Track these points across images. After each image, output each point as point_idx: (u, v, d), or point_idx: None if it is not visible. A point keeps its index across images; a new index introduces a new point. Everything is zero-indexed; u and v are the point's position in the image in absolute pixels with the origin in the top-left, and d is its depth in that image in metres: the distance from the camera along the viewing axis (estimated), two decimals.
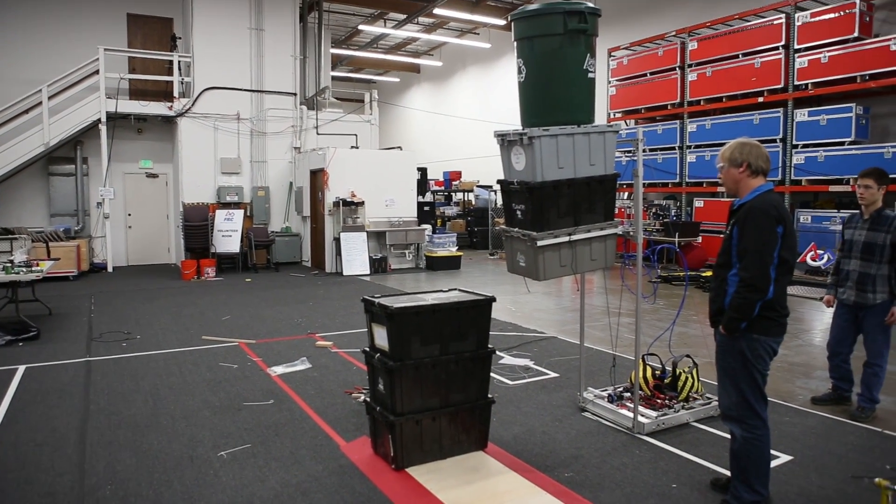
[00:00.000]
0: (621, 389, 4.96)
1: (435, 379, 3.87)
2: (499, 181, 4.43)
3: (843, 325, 4.92)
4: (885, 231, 4.60)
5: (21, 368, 6.24)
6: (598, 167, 4.21)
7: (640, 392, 4.72)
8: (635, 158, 4.40)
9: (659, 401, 4.70)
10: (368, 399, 4.13)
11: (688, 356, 5.07)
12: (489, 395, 4.14)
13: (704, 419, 4.63)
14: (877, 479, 3.10)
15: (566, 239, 4.12)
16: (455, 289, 4.42)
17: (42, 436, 4.52)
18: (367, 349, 4.07)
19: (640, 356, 4.61)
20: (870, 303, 4.67)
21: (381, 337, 3.86)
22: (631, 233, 4.42)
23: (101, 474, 3.88)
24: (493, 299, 4.10)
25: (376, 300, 3.90)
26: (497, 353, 5.96)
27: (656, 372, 4.93)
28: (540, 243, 4.02)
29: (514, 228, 4.26)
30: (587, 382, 5.21)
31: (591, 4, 4.07)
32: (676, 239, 13.09)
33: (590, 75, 4.12)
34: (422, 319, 3.80)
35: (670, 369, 4.98)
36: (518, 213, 4.21)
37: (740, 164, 3.23)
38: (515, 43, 4.21)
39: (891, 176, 10.25)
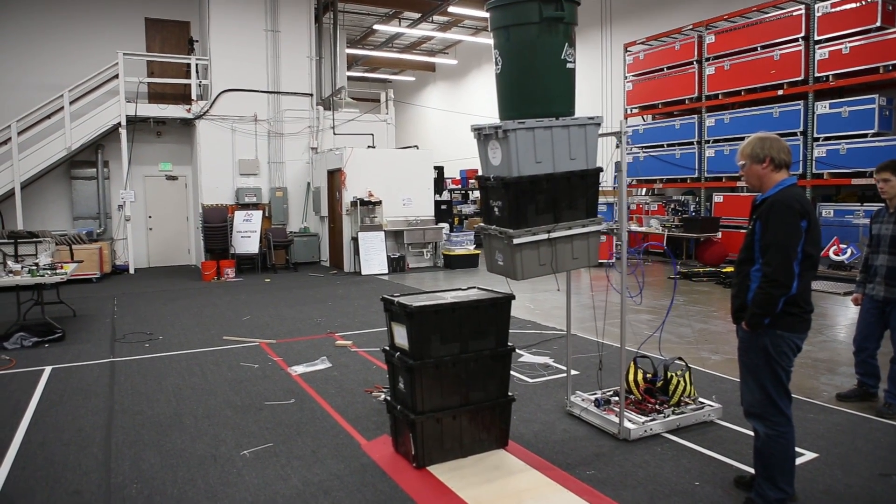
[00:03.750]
0: (610, 393, 4.80)
1: (455, 377, 3.88)
2: (476, 177, 4.31)
3: (871, 321, 4.85)
4: None
5: (48, 369, 6.35)
6: (579, 161, 4.01)
7: (631, 396, 4.60)
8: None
9: (649, 405, 4.55)
10: (389, 398, 4.14)
11: (680, 359, 4.91)
12: (509, 393, 4.13)
13: (695, 425, 4.46)
14: None
15: (545, 237, 3.92)
16: (474, 287, 4.41)
17: (68, 435, 4.60)
18: (387, 348, 4.09)
19: (623, 358, 4.36)
20: (892, 297, 4.59)
21: (401, 336, 3.87)
22: (615, 230, 4.21)
23: (126, 473, 3.94)
24: (512, 297, 4.10)
25: (396, 299, 3.91)
26: (517, 350, 5.95)
27: (647, 375, 4.76)
28: (517, 241, 3.84)
29: (491, 226, 4.09)
30: (608, 381, 5.15)
31: None
32: (666, 234, 12.98)
33: (568, 66, 3.94)
34: (441, 318, 3.80)
35: (662, 372, 4.80)
36: (495, 209, 4.05)
37: (763, 159, 3.19)
38: (492, 33, 4.05)
39: None
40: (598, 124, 4.10)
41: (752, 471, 3.49)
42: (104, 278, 13.10)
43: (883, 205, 4.81)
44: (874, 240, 4.80)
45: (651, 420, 4.34)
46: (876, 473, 3.71)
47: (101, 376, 6.10)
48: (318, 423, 4.74)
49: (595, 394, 4.85)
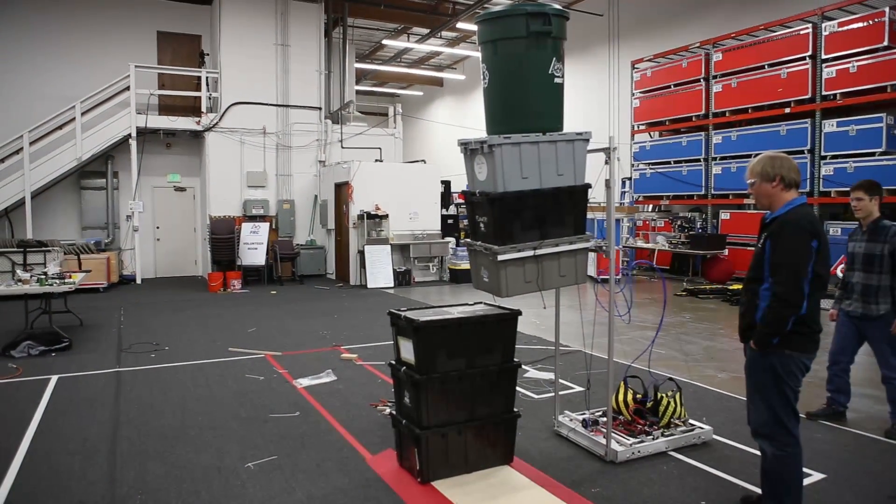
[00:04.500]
0: (599, 414, 4.68)
1: (461, 392, 3.88)
2: (462, 192, 4.25)
3: (846, 334, 4.91)
4: (882, 241, 4.62)
5: (54, 378, 6.37)
6: (567, 177, 3.95)
7: (620, 417, 4.54)
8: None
9: (638, 426, 4.45)
10: (394, 412, 4.14)
11: (671, 379, 4.85)
12: (515, 409, 4.12)
13: (685, 447, 4.36)
14: None
15: (531, 253, 3.84)
16: (481, 302, 4.42)
17: (74, 445, 4.60)
18: (393, 362, 4.09)
19: (611, 378, 4.24)
20: (874, 314, 4.65)
21: (408, 350, 3.88)
22: (604, 247, 4.13)
23: (131, 484, 3.94)
24: (518, 313, 4.10)
25: (402, 313, 3.92)
26: (522, 366, 5.94)
27: (637, 396, 4.68)
28: (501, 258, 3.75)
29: (477, 242, 4.02)
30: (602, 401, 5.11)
31: (557, 6, 3.90)
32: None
33: (556, 80, 3.89)
34: (448, 333, 3.81)
35: (653, 392, 4.71)
36: (481, 225, 3.97)
37: (773, 178, 3.19)
38: (480, 47, 4.02)
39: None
40: (587, 140, 4.04)
41: (758, 490, 3.46)
42: (111, 288, 13.16)
43: (858, 224, 4.88)
44: (850, 258, 4.90)
45: (639, 442, 4.26)
46: (885, 496, 3.68)
47: (107, 386, 6.11)
48: (322, 436, 4.73)
49: (584, 414, 4.75)
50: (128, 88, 13.91)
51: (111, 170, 14.69)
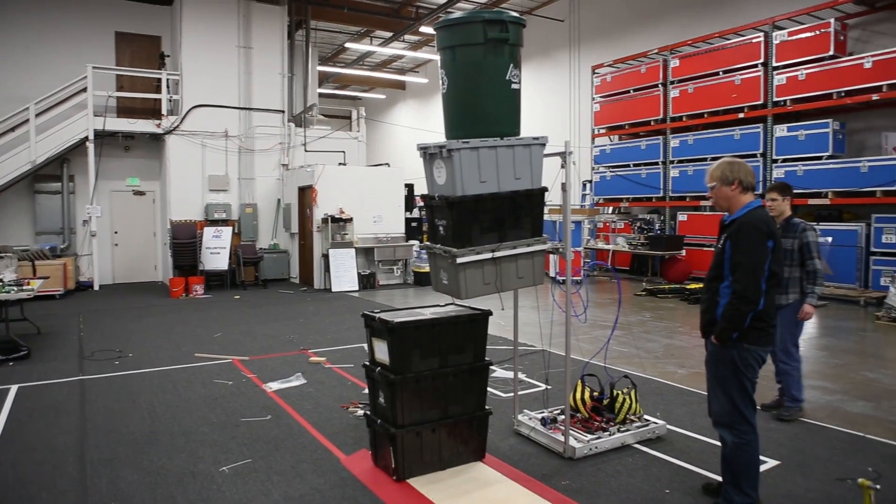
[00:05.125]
0: (557, 412, 4.82)
1: (434, 391, 3.97)
2: (421, 196, 4.29)
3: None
4: (793, 237, 5.00)
5: (13, 388, 6.23)
6: (524, 181, 4.05)
7: (578, 414, 4.66)
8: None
9: (596, 423, 4.60)
10: (369, 412, 4.21)
11: (626, 376, 5.00)
12: (486, 407, 4.24)
13: (642, 441, 4.52)
14: (860, 480, 3.25)
15: (489, 256, 3.93)
16: (452, 303, 4.52)
17: (41, 454, 4.54)
18: (368, 363, 4.16)
19: (568, 377, 4.35)
20: (782, 303, 4.94)
21: (382, 351, 3.96)
22: (561, 250, 4.25)
23: (104, 491, 3.91)
24: (489, 313, 4.21)
25: (377, 315, 4.00)
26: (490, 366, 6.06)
27: (594, 393, 4.83)
28: (460, 260, 3.83)
29: (436, 245, 4.09)
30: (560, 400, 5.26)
31: (514, 14, 3.98)
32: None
33: (513, 86, 3.98)
34: (421, 333, 3.90)
35: (609, 390, 4.85)
36: (440, 228, 4.05)
37: (732, 181, 3.39)
38: (439, 53, 4.10)
39: (867, 189, 10.56)
40: (543, 144, 4.15)
41: (718, 477, 3.64)
42: (68, 295, 12.85)
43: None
44: None
45: (596, 438, 4.39)
46: (833, 478, 3.91)
47: (71, 394, 6.01)
48: (296, 438, 4.77)
49: (542, 412, 4.86)
50: (85, 90, 13.60)
51: (67, 173, 14.33)
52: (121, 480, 4.06)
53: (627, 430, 4.54)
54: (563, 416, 4.54)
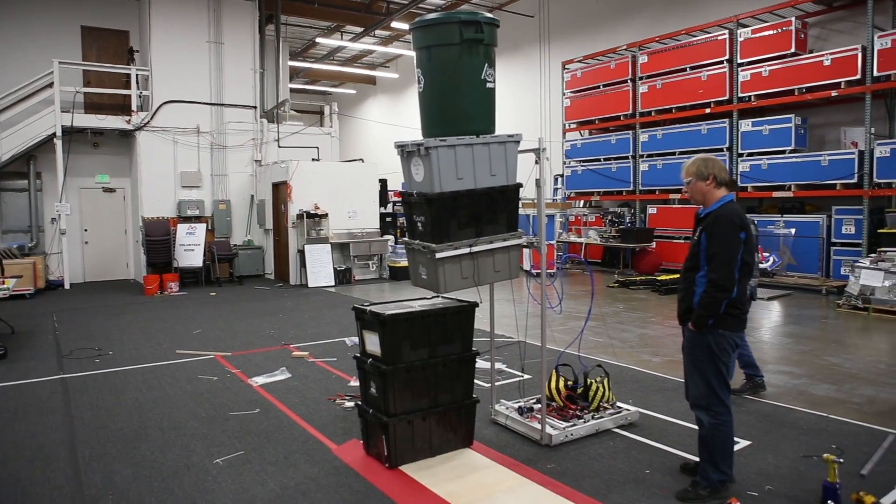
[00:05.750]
0: (533, 401, 4.95)
1: (424, 381, 4.11)
2: (399, 193, 4.35)
3: None
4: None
5: None
6: (500, 177, 4.18)
7: (553, 403, 4.78)
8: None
9: (570, 411, 4.73)
10: (360, 402, 4.32)
11: (599, 366, 5.19)
12: (473, 395, 4.39)
13: (621, 427, 4.69)
14: (825, 455, 3.49)
15: (467, 251, 4.05)
16: (438, 296, 4.65)
17: (31, 451, 4.56)
18: (359, 355, 4.28)
19: (544, 367, 4.51)
20: None
21: (373, 343, 4.08)
22: (535, 243, 4.38)
23: (99, 486, 3.97)
24: (476, 305, 4.36)
25: (368, 308, 4.12)
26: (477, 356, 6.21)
27: (569, 382, 4.95)
28: (439, 255, 3.95)
29: (415, 241, 4.20)
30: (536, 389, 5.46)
31: (488, 15, 4.09)
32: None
33: (488, 85, 4.11)
34: (412, 325, 4.03)
35: (582, 379, 4.98)
36: (419, 224, 4.16)
37: (706, 177, 3.59)
38: (415, 53, 4.20)
39: (827, 182, 10.96)
40: (518, 142, 4.28)
41: (695, 458, 3.86)
42: (38, 294, 12.65)
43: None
44: None
45: (572, 426, 4.52)
46: (800, 455, 4.16)
47: (54, 393, 6.00)
48: (286, 430, 4.86)
49: (519, 402, 5.00)
50: (51, 85, 13.34)
51: (34, 170, 14.06)
52: (115, 475, 4.12)
53: (601, 417, 4.69)
54: (538, 405, 4.69)
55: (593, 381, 4.92)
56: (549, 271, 13.71)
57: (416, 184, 4.16)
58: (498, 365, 6.63)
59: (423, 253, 4.09)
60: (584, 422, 4.62)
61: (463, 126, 4.07)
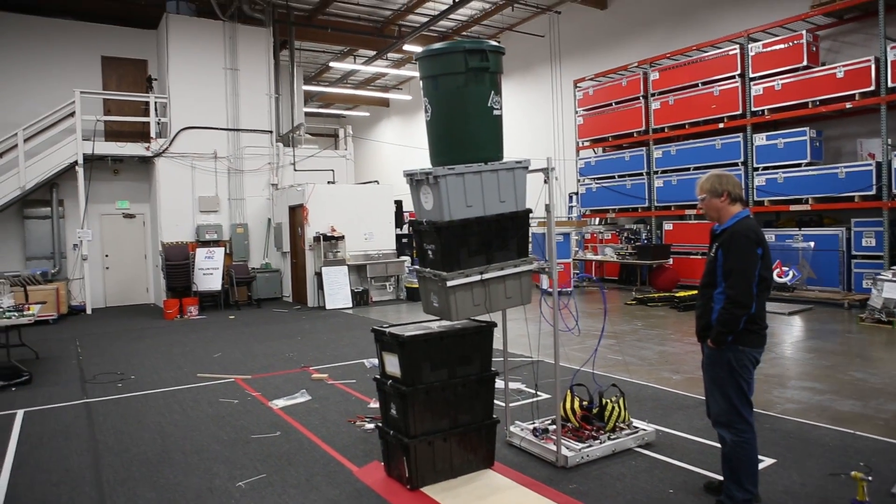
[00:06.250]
0: (548, 422, 4.90)
1: (444, 402, 4.12)
2: (409, 222, 4.32)
3: None
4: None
5: (20, 413, 6.28)
6: (509, 203, 4.19)
7: (568, 424, 4.73)
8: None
9: (586, 432, 4.68)
10: (381, 424, 4.34)
11: (614, 385, 5.15)
12: (493, 416, 4.39)
13: (637, 447, 4.62)
14: (853, 473, 3.45)
15: (478, 278, 4.05)
16: None
17: (56, 476, 4.62)
18: (379, 376, 4.30)
19: (557, 388, 4.48)
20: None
21: (393, 364, 4.10)
22: (546, 269, 4.36)
23: None
24: (494, 325, 4.38)
25: (386, 330, 4.15)
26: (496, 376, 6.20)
27: (584, 403, 4.92)
28: (450, 283, 3.94)
29: (426, 269, 4.20)
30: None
31: (494, 43, 4.14)
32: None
33: (495, 112, 4.14)
34: (431, 346, 4.06)
35: (598, 399, 4.94)
36: (429, 252, 4.15)
37: (721, 193, 3.61)
38: (421, 82, 4.23)
39: (845, 195, 10.87)
40: (526, 168, 4.29)
41: (719, 477, 3.82)
42: (61, 319, 12.82)
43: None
44: None
45: (588, 447, 4.46)
46: (826, 474, 4.10)
47: (79, 417, 6.08)
48: (307, 453, 4.88)
49: (534, 423, 4.95)
50: (73, 114, 13.66)
51: (56, 198, 14.33)
52: (139, 498, 4.16)
53: (618, 438, 4.62)
54: (553, 427, 4.63)
55: (608, 400, 4.87)
56: (565, 289, 13.60)
57: (426, 212, 4.18)
58: (517, 385, 6.62)
59: (435, 281, 4.10)
60: (601, 442, 4.56)
61: (471, 154, 4.10)
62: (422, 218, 4.23)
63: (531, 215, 4.42)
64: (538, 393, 5.86)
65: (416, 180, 4.21)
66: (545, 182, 4.31)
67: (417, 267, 4.39)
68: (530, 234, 4.42)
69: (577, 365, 6.38)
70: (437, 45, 4.10)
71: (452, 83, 4.04)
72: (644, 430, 4.82)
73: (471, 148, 4.11)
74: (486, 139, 4.17)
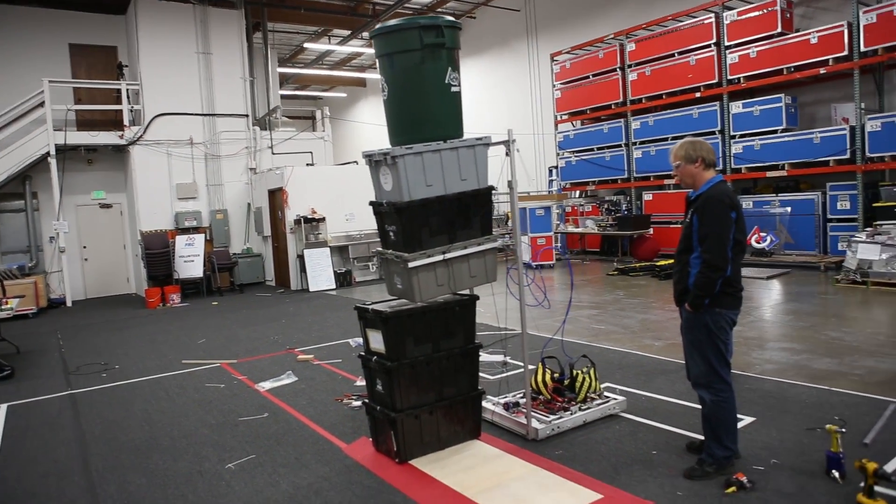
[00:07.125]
0: (520, 396, 4.88)
1: (429, 375, 4.16)
2: (370, 203, 4.24)
3: None
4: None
5: (3, 407, 6.24)
6: (471, 181, 4.12)
7: (540, 396, 4.71)
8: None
9: (557, 403, 4.66)
10: (367, 400, 4.38)
11: (584, 356, 5.18)
12: (479, 387, 4.44)
13: (603, 419, 4.62)
14: (827, 426, 3.55)
15: (440, 258, 4.00)
16: None
17: (44, 467, 4.61)
18: (363, 353, 4.33)
19: (526, 361, 4.48)
20: None
21: (377, 340, 4.13)
22: (511, 245, 4.33)
23: (114, 496, 4.02)
24: (477, 297, 4.41)
25: (370, 306, 4.16)
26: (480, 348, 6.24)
27: (555, 375, 4.89)
28: (412, 264, 3.89)
29: (388, 250, 4.14)
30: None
31: (450, 18, 4.03)
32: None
33: (453, 89, 4.04)
34: (414, 321, 4.08)
35: (569, 370, 4.94)
36: (391, 234, 4.10)
37: (695, 160, 3.64)
38: (377, 61, 4.14)
39: (821, 159, 10.99)
40: (487, 144, 4.21)
41: (700, 436, 3.91)
42: (41, 313, 12.69)
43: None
44: None
45: (558, 418, 4.45)
46: (804, 428, 4.21)
47: (64, 409, 6.05)
48: (295, 433, 4.91)
49: (505, 397, 4.96)
50: (42, 104, 13.37)
51: (30, 190, 14.08)
52: (129, 485, 4.17)
53: (589, 408, 4.62)
54: (524, 400, 4.60)
55: (580, 371, 4.86)
56: (546, 263, 13.66)
57: (386, 193, 4.11)
58: (500, 357, 6.68)
59: (397, 263, 4.05)
60: (571, 414, 4.54)
61: (430, 132, 4.01)
62: (382, 199, 4.15)
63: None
64: (505, 363, 5.87)
65: (374, 161, 4.13)
66: (507, 155, 4.25)
67: (380, 248, 4.33)
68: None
69: (558, 337, 6.45)
70: (391, 22, 3.98)
71: (408, 60, 3.95)
72: (615, 399, 4.82)
73: (429, 126, 4.02)
74: (445, 117, 4.07)
